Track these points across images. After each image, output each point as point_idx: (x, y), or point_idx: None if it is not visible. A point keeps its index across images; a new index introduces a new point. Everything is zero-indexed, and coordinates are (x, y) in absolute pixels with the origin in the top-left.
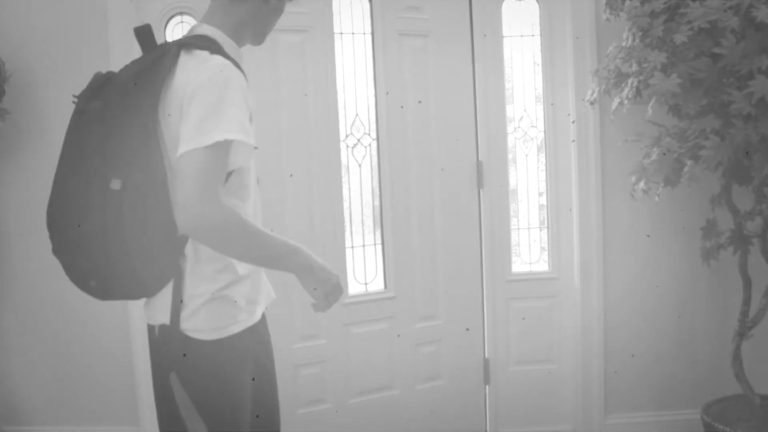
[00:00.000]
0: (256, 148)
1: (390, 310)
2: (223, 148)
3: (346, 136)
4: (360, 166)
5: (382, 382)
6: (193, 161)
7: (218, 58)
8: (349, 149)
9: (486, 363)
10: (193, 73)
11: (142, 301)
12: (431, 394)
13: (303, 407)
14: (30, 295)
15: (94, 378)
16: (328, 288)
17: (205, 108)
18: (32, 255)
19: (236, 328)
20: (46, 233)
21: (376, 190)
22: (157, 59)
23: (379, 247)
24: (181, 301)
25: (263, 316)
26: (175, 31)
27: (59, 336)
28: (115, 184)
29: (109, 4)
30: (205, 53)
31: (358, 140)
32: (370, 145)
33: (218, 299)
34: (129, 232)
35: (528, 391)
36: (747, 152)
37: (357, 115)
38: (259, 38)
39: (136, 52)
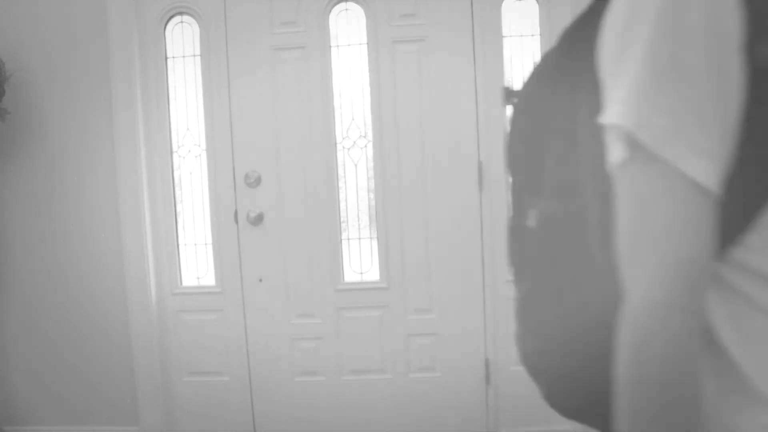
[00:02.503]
0: None
1: (383, 299)
2: None
3: (343, 138)
4: (356, 166)
5: (374, 365)
6: None
7: None
8: (346, 150)
9: (486, 363)
10: None
11: (140, 299)
12: (425, 385)
13: (299, 376)
14: (30, 295)
15: (94, 378)
16: None
17: None
18: (32, 255)
19: None
20: (45, 232)
21: (373, 189)
22: None
23: (374, 241)
24: None
25: None
26: (175, 31)
27: (59, 336)
28: None
29: (109, 4)
30: None
31: (354, 142)
32: (366, 146)
33: None
34: None
35: (528, 391)
36: None
37: (353, 119)
38: None
39: (136, 52)
